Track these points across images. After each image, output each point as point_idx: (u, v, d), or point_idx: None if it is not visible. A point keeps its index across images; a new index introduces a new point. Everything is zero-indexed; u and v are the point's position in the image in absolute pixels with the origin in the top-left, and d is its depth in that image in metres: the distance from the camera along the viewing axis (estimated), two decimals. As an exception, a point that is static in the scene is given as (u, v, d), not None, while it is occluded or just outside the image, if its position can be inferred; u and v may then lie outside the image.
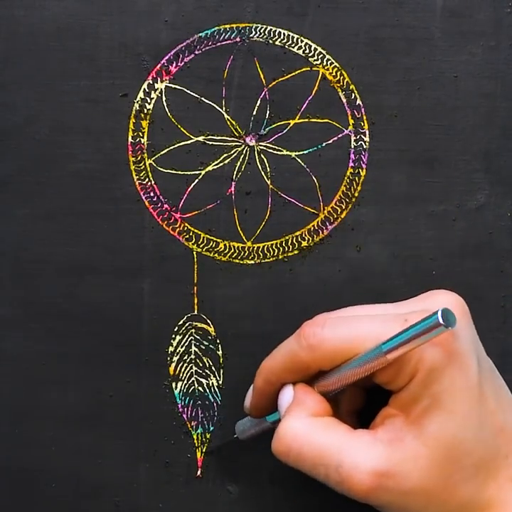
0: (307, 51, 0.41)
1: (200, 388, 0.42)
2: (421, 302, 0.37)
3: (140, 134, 0.42)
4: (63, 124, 0.42)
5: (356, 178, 0.42)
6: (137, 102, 0.42)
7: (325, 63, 0.41)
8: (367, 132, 0.42)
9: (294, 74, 0.42)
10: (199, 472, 0.42)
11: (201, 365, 0.42)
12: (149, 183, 0.42)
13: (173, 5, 0.41)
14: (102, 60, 0.42)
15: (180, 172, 0.42)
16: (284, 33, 0.41)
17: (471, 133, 0.41)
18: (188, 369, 0.42)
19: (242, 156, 0.42)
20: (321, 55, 0.41)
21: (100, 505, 0.42)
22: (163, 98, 0.42)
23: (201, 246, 0.42)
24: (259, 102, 0.42)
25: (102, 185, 0.42)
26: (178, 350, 0.42)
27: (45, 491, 0.42)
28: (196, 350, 0.42)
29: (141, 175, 0.42)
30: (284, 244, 0.42)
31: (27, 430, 0.42)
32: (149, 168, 0.42)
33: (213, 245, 0.42)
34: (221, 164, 0.42)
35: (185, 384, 0.42)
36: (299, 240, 0.42)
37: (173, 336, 0.42)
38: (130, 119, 0.42)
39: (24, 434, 0.42)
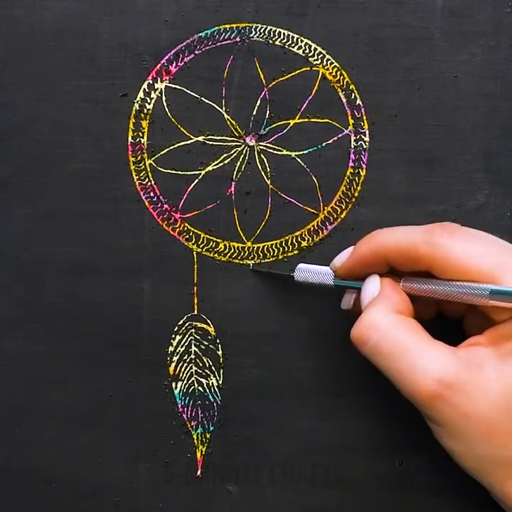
0: (307, 51, 0.41)
1: (200, 388, 0.42)
2: None
3: (140, 134, 0.42)
4: (63, 124, 0.42)
5: (356, 178, 0.42)
6: (137, 102, 0.42)
7: (325, 63, 0.41)
8: (367, 132, 0.42)
9: (294, 74, 0.42)
10: (199, 472, 0.42)
11: (201, 365, 0.42)
12: (149, 183, 0.42)
13: (173, 5, 0.41)
14: (102, 60, 0.42)
15: (180, 172, 0.42)
16: (284, 33, 0.41)
17: (471, 133, 0.41)
18: (188, 369, 0.42)
19: (242, 156, 0.42)
20: (321, 55, 0.41)
21: (100, 505, 0.42)
22: (163, 98, 0.42)
23: (201, 246, 0.42)
24: (259, 102, 0.42)
25: (102, 185, 0.42)
26: (178, 350, 0.42)
27: (45, 491, 0.42)
28: (196, 350, 0.42)
29: (141, 175, 0.42)
30: (284, 244, 0.42)
31: (27, 430, 0.42)
32: (149, 168, 0.42)
33: (213, 245, 0.42)
34: (221, 164, 0.42)
35: (185, 384, 0.42)
36: (299, 240, 0.42)
37: (173, 335, 0.42)
38: (130, 119, 0.42)
39: (24, 434, 0.42)
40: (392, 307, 0.36)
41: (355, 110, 0.42)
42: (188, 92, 0.42)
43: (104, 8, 0.41)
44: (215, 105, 0.42)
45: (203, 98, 0.42)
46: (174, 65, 0.42)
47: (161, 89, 0.42)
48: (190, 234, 0.42)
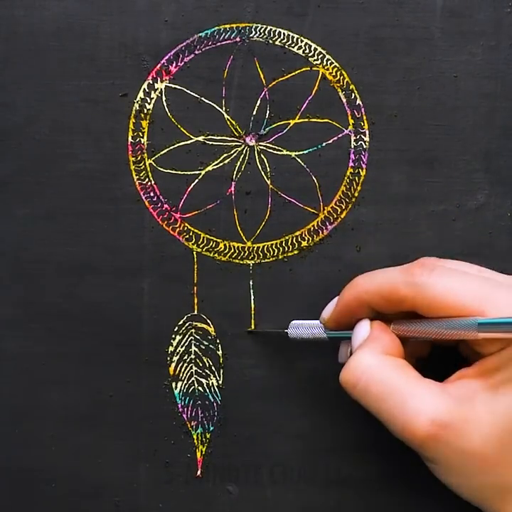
0: (307, 51, 0.41)
1: (200, 388, 0.42)
2: None
3: (140, 134, 0.42)
4: (63, 124, 0.42)
5: (356, 178, 0.42)
6: (137, 102, 0.42)
7: (325, 63, 0.41)
8: (367, 132, 0.42)
9: (294, 74, 0.42)
10: (199, 472, 0.42)
11: (201, 365, 0.42)
12: (149, 183, 0.42)
13: (173, 5, 0.41)
14: (102, 60, 0.42)
15: (180, 172, 0.42)
16: (284, 33, 0.41)
17: (471, 133, 0.41)
18: (188, 369, 0.42)
19: (242, 156, 0.42)
20: (321, 55, 0.41)
21: (100, 505, 0.42)
22: (163, 98, 0.42)
23: (201, 246, 0.42)
24: (259, 102, 0.42)
25: (102, 185, 0.42)
26: (178, 350, 0.42)
27: (45, 491, 0.42)
28: (196, 350, 0.42)
29: (141, 175, 0.42)
30: (284, 244, 0.42)
31: (27, 430, 0.42)
32: (149, 168, 0.42)
33: (213, 245, 0.42)
34: (221, 164, 0.42)
35: (185, 384, 0.42)
36: (299, 239, 0.42)
37: (173, 336, 0.42)
38: (130, 119, 0.42)
39: (24, 434, 0.42)
40: (381, 349, 0.36)
41: (355, 110, 0.42)
42: (188, 92, 0.42)
43: (104, 8, 0.41)
44: (215, 105, 0.42)
45: (203, 98, 0.42)
46: (174, 65, 0.42)
47: (161, 89, 0.42)
48: (190, 234, 0.42)
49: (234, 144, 0.42)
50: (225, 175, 0.42)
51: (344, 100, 0.42)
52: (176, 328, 0.42)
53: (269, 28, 0.41)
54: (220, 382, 0.42)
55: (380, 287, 0.36)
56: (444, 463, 0.34)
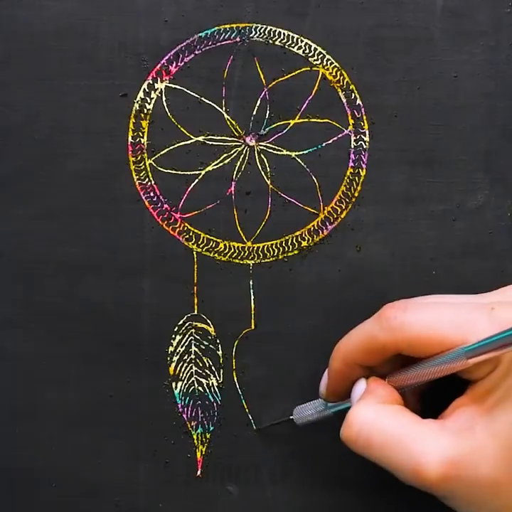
0: (307, 51, 0.41)
1: (200, 388, 0.42)
2: (500, 295, 0.36)
3: (140, 134, 0.42)
4: (63, 124, 0.42)
5: (356, 178, 0.42)
6: (137, 102, 0.42)
7: (325, 63, 0.41)
8: (367, 132, 0.42)
9: (294, 74, 0.42)
10: (199, 472, 0.42)
11: (201, 365, 0.42)
12: (149, 183, 0.42)
13: (173, 5, 0.41)
14: (102, 60, 0.42)
15: (180, 172, 0.42)
16: (284, 33, 0.41)
17: (471, 133, 0.41)
18: (188, 369, 0.42)
19: (242, 156, 0.42)
20: (321, 55, 0.41)
21: (100, 505, 0.42)
22: (163, 98, 0.42)
23: (201, 246, 0.42)
24: (259, 102, 0.42)
25: (102, 185, 0.42)
26: (178, 350, 0.42)
27: (45, 491, 0.42)
28: (196, 350, 0.42)
29: (141, 175, 0.42)
30: (284, 244, 0.42)
31: (27, 430, 0.42)
32: (149, 168, 0.42)
33: (213, 245, 0.42)
34: (221, 164, 0.42)
35: (185, 384, 0.42)
36: (299, 239, 0.42)
37: (173, 336, 0.42)
38: (130, 119, 0.42)
39: (24, 434, 0.42)
40: (377, 400, 0.36)
41: (355, 110, 0.42)
42: (188, 92, 0.42)
43: (104, 8, 0.41)
44: (215, 105, 0.42)
45: (203, 98, 0.42)
46: (174, 65, 0.42)
47: (161, 90, 0.42)
48: (190, 234, 0.42)
49: (234, 144, 0.42)
50: (225, 175, 0.42)
51: (344, 100, 0.42)
52: (176, 328, 0.42)
53: (269, 28, 0.41)
54: (220, 382, 0.42)
55: (359, 343, 0.36)
56: (458, 497, 0.34)
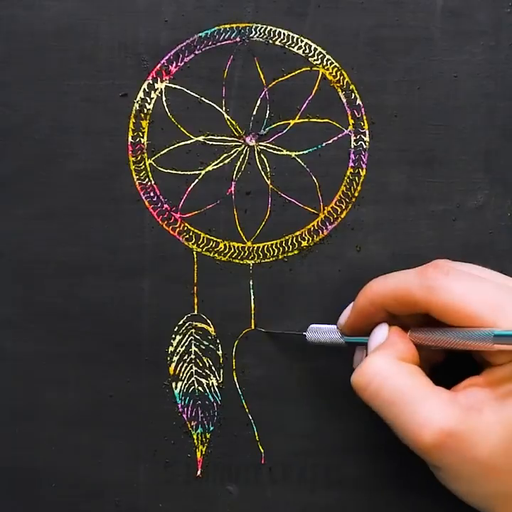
0: (307, 51, 0.41)
1: (200, 388, 0.42)
2: None
3: (140, 134, 0.42)
4: (63, 124, 0.42)
5: (356, 178, 0.42)
6: (137, 102, 0.42)
7: (325, 63, 0.41)
8: (367, 132, 0.42)
9: (294, 74, 0.42)
10: (199, 472, 0.42)
11: (201, 365, 0.42)
12: (149, 183, 0.42)
13: (173, 5, 0.41)
14: (102, 60, 0.42)
15: (180, 172, 0.42)
16: (284, 33, 0.41)
17: (471, 133, 0.41)
18: (188, 369, 0.42)
19: (242, 156, 0.42)
20: (321, 55, 0.41)
21: (100, 505, 0.42)
22: (163, 98, 0.42)
23: (201, 246, 0.42)
24: (259, 102, 0.42)
25: (102, 185, 0.42)
26: (178, 350, 0.42)
27: (45, 491, 0.42)
28: (196, 350, 0.42)
29: (141, 175, 0.42)
30: (284, 244, 0.42)
31: (27, 430, 0.42)
32: (149, 168, 0.42)
33: (213, 245, 0.42)
34: (221, 164, 0.42)
35: (185, 384, 0.42)
36: (299, 239, 0.42)
37: (173, 335, 0.42)
38: (130, 119, 0.42)
39: (24, 434, 0.42)
40: (396, 354, 0.36)
41: (355, 110, 0.42)
42: (188, 92, 0.42)
43: (104, 8, 0.41)
44: (215, 105, 0.42)
45: (203, 98, 0.42)
46: (174, 65, 0.42)
47: (161, 89, 0.42)
48: (190, 234, 0.42)
49: (234, 144, 0.42)
50: (225, 175, 0.42)
51: (344, 100, 0.42)
52: (176, 328, 0.42)
53: (269, 28, 0.41)
54: (220, 382, 0.42)
55: (394, 290, 0.36)
56: (450, 471, 0.34)
